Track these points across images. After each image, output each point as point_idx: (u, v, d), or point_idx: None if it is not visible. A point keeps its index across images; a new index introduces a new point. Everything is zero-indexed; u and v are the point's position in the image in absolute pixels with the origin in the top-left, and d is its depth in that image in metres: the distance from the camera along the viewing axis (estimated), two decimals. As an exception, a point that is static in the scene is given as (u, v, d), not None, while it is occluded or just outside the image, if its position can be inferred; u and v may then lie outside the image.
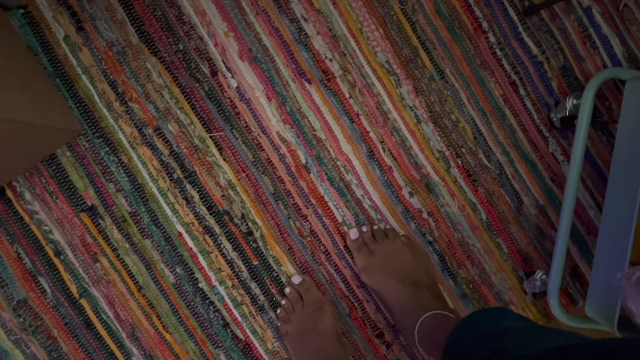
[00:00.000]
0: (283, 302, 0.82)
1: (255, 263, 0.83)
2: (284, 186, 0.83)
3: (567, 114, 0.81)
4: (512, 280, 0.86)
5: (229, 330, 0.83)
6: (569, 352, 0.41)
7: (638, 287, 0.63)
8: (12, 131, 0.62)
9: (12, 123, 0.61)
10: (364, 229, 0.82)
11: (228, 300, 0.83)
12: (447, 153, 0.84)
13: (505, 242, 0.86)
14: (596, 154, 0.86)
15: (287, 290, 0.82)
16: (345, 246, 0.84)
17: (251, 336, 0.83)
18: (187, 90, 0.81)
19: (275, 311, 0.83)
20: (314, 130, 0.83)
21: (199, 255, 0.82)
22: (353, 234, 0.82)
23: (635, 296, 0.62)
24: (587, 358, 0.39)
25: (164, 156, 0.81)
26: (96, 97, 0.80)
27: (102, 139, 0.80)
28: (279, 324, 0.83)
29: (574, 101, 0.80)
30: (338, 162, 0.83)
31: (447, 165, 0.85)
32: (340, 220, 0.84)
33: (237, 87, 0.81)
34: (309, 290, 0.81)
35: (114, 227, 0.80)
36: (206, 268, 0.82)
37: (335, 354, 0.77)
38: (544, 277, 0.81)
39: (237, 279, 0.83)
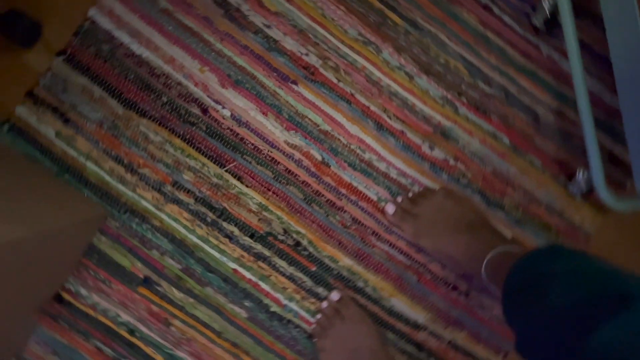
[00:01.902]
0: (319, 316, 0.83)
1: (314, 269, 0.84)
2: (311, 188, 0.83)
3: (548, 14, 0.81)
4: (557, 190, 0.87)
5: (314, 340, 0.85)
6: (600, 299, 0.45)
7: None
8: (47, 241, 0.64)
9: (44, 234, 0.62)
10: (399, 199, 0.83)
11: (303, 313, 0.84)
12: (449, 96, 0.84)
13: (536, 156, 0.86)
14: (590, 40, 0.85)
15: (324, 304, 0.83)
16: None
17: (337, 336, 0.85)
18: (187, 137, 0.81)
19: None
20: (318, 126, 0.83)
21: (259, 282, 0.83)
22: (390, 208, 0.83)
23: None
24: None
25: (191, 205, 0.82)
26: (107, 177, 0.81)
27: (129, 213, 0.81)
28: (314, 340, 0.84)
29: (550, 0, 0.80)
30: (352, 146, 0.84)
31: (454, 108, 0.85)
32: (375, 198, 0.84)
33: (231, 115, 0.82)
34: (347, 306, 0.82)
35: (173, 288, 0.82)
36: (271, 291, 0.83)
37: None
38: (585, 174, 0.82)
39: (303, 289, 0.84)
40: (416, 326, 0.85)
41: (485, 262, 0.73)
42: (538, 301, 0.55)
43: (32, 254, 0.61)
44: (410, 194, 0.83)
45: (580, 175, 0.82)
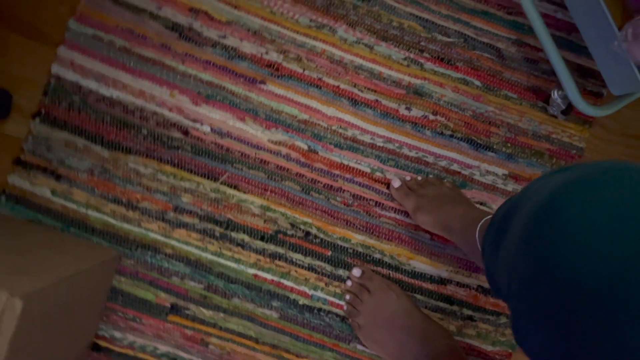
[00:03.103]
0: (347, 297, 0.84)
1: (329, 254, 0.86)
2: (306, 178, 0.85)
3: (481, -48, 0.83)
4: (538, 115, 0.89)
5: (349, 321, 0.86)
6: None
7: (636, 40, 0.65)
8: (71, 287, 0.66)
9: (67, 280, 0.64)
10: (407, 178, 0.85)
11: (331, 298, 0.86)
12: (412, 56, 0.87)
13: (509, 90, 0.88)
14: (528, -33, 0.88)
15: (349, 283, 0.85)
16: (389, 186, 0.86)
17: (369, 312, 0.86)
18: (176, 161, 0.84)
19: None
20: (295, 117, 0.85)
21: (282, 280, 0.85)
22: (395, 183, 0.84)
23: (638, 47, 0.64)
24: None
25: (197, 225, 0.84)
26: (111, 220, 0.83)
27: (140, 248, 0.83)
28: (349, 321, 0.85)
29: (479, -62, 0.82)
30: (333, 128, 0.86)
31: (419, 65, 0.87)
32: (369, 170, 0.86)
33: (211, 129, 0.84)
34: (371, 278, 0.83)
35: (201, 308, 0.84)
36: (295, 286, 0.85)
37: (424, 321, 0.79)
38: (560, 92, 0.84)
39: (325, 276, 0.86)
40: (441, 281, 0.87)
41: (477, 229, 0.73)
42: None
43: (60, 302, 0.63)
44: (419, 178, 0.85)
45: (555, 94, 0.84)
